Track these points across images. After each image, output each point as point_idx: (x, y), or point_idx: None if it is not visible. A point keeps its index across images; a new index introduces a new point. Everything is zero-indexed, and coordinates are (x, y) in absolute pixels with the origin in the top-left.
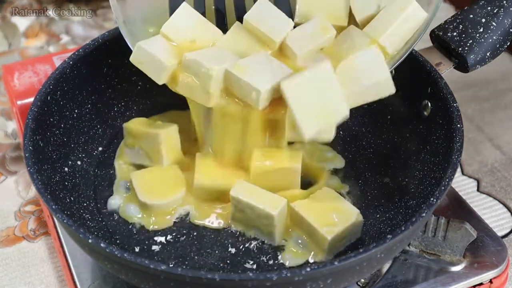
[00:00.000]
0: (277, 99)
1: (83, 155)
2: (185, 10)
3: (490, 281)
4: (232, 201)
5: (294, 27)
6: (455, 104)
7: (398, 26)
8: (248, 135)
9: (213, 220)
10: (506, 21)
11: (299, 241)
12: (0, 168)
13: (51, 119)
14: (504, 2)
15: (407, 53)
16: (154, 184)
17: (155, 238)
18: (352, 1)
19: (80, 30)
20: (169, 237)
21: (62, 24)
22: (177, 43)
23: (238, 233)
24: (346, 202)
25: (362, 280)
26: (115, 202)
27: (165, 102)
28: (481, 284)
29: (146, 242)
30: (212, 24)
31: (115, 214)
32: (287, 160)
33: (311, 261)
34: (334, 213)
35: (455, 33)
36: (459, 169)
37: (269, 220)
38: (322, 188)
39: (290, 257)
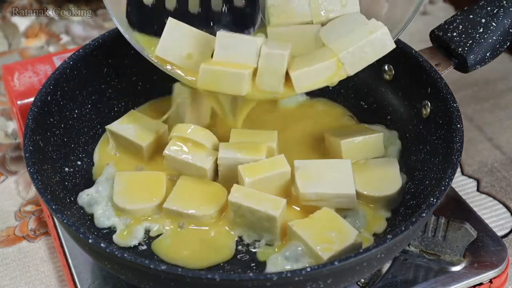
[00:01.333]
0: None
1: (83, 155)
2: (173, 26)
3: (490, 281)
4: (232, 206)
5: None
6: (455, 104)
7: (362, 47)
8: None
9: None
10: (506, 21)
11: (298, 249)
12: (0, 168)
13: (51, 119)
14: (504, 2)
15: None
16: (133, 188)
17: (155, 239)
18: (323, 36)
19: (80, 30)
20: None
21: (62, 24)
22: (175, 62)
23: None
24: (346, 222)
25: (362, 280)
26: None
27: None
28: (481, 284)
29: (146, 242)
30: (205, 33)
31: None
32: (276, 165)
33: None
34: (332, 233)
35: (455, 33)
36: (459, 169)
37: (271, 222)
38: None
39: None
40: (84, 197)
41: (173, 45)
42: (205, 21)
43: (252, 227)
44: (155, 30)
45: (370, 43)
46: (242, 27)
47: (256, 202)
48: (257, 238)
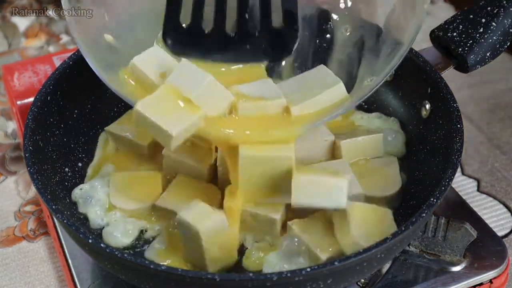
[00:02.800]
0: None
1: (83, 155)
2: (156, 51)
3: (490, 281)
4: (227, 210)
5: None
6: (455, 104)
7: (316, 101)
8: None
9: None
10: (506, 21)
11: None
12: (0, 168)
13: (51, 119)
14: (504, 2)
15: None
16: (129, 188)
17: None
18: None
19: None
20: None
21: (62, 24)
22: (147, 74)
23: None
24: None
25: (362, 280)
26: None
27: None
28: (481, 284)
29: (141, 241)
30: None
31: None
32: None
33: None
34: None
35: (455, 33)
36: (459, 169)
37: (271, 224)
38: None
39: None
40: (77, 191)
41: (151, 61)
42: (240, 44)
43: (252, 229)
44: (189, 52)
45: (325, 96)
46: (279, 51)
47: (255, 205)
48: (257, 240)
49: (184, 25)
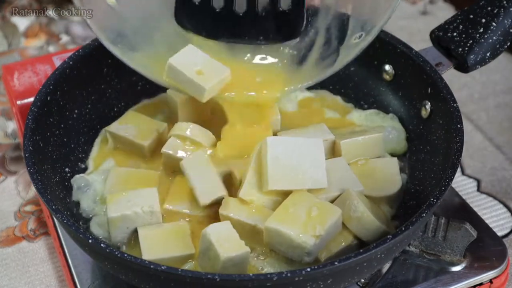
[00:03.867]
0: None
1: (83, 155)
2: (191, 50)
3: (490, 281)
4: (222, 218)
5: None
6: (455, 104)
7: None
8: None
9: None
10: (506, 21)
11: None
12: (0, 168)
13: (51, 119)
14: (504, 2)
15: None
16: (125, 185)
17: None
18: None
19: (80, 30)
20: None
21: (62, 24)
22: (185, 73)
23: None
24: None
25: (362, 280)
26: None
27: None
28: (481, 284)
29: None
30: (219, 62)
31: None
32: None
33: None
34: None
35: (455, 33)
36: (459, 169)
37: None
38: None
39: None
40: (78, 177)
41: (187, 60)
42: (248, 25)
43: (245, 237)
44: (200, 29)
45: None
46: (286, 33)
47: (246, 215)
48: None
49: (196, 2)
